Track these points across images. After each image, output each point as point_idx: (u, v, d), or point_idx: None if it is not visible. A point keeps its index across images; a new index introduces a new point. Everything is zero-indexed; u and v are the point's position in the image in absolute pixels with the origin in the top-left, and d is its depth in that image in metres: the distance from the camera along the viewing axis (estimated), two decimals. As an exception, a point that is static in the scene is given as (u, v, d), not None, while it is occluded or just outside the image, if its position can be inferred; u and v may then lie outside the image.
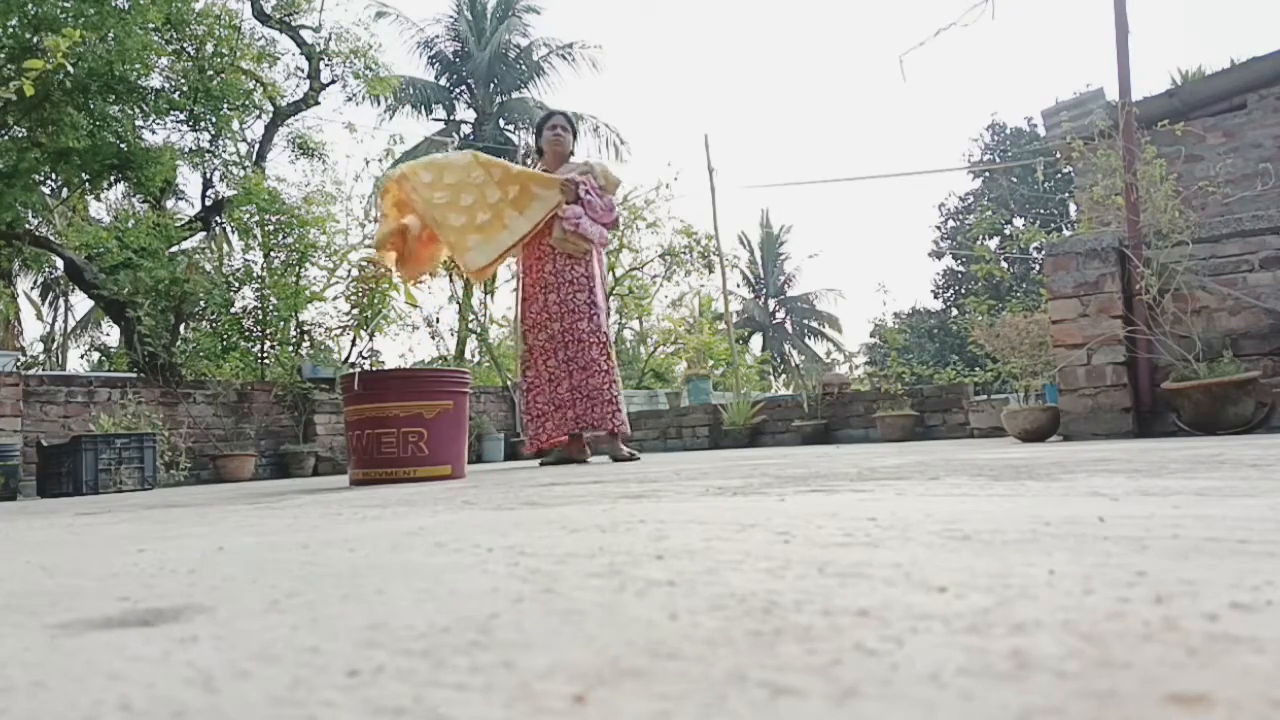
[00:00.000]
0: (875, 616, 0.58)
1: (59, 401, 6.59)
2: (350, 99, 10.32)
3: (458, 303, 11.28)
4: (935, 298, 26.88)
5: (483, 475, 4.20)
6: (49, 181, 9.05)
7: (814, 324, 34.36)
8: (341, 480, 4.75)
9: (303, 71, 10.05)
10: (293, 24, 9.84)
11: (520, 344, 5.08)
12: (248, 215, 8.65)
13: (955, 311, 22.96)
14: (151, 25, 7.90)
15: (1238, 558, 0.73)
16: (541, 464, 5.05)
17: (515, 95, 22.74)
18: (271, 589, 0.87)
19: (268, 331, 8.58)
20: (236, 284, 8.75)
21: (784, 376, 24.24)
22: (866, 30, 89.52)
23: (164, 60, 8.67)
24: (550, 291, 4.95)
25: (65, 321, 23.28)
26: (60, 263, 9.04)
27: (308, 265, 8.67)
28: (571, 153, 5.24)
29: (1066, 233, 6.14)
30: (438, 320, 10.36)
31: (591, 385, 4.85)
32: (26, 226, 8.45)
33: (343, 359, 8.36)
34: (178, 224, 9.39)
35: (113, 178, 8.92)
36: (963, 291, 24.56)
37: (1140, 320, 4.29)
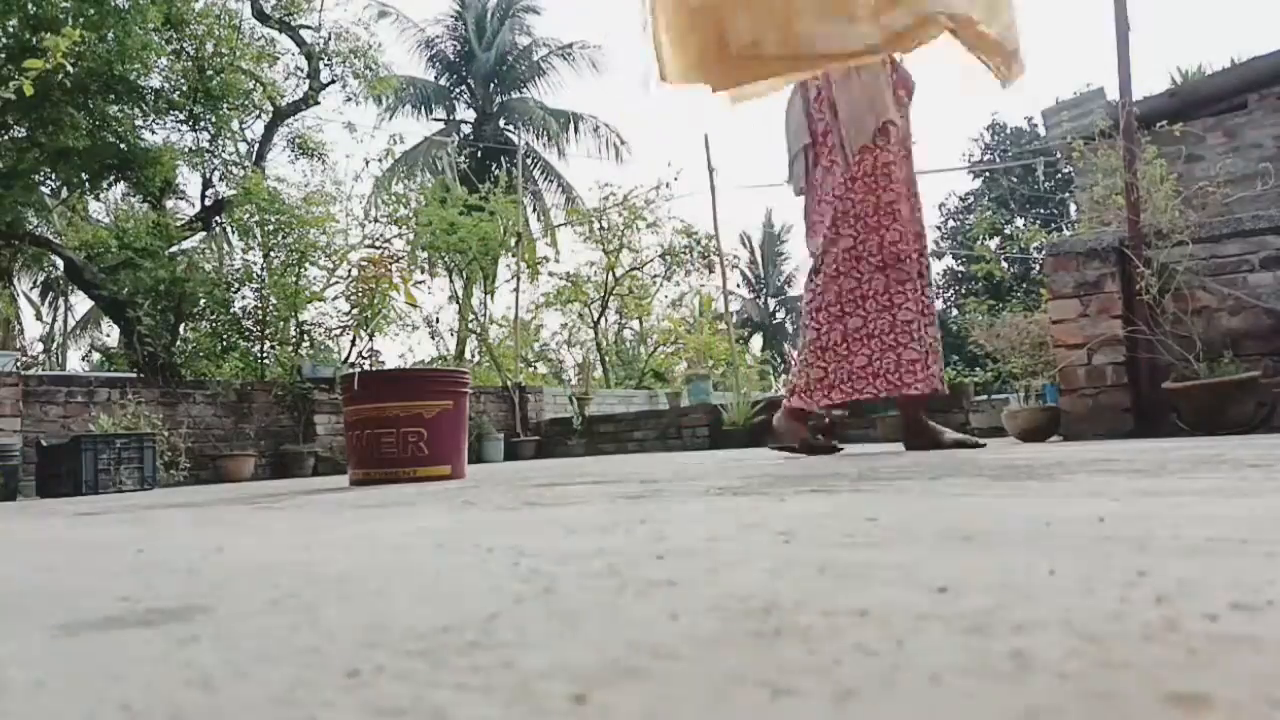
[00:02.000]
0: (875, 617, 0.57)
1: (59, 402, 6.58)
2: (350, 99, 10.31)
3: (458, 303, 11.28)
4: (935, 297, 26.85)
5: (483, 475, 4.20)
6: (49, 181, 9.04)
7: (814, 324, 34.31)
8: (341, 480, 4.75)
9: (302, 71, 10.05)
10: (292, 24, 9.83)
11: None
12: (248, 215, 8.65)
13: (955, 311, 22.94)
14: (151, 25, 7.89)
15: (1238, 558, 0.73)
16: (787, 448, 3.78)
17: (515, 95, 22.74)
18: (271, 589, 0.87)
19: (267, 331, 8.58)
20: (236, 284, 8.75)
21: (784, 376, 24.22)
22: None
23: (163, 60, 8.65)
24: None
25: (65, 321, 23.27)
26: (60, 263, 9.04)
27: (307, 265, 8.67)
28: None
29: (1067, 233, 6.14)
30: (437, 320, 10.36)
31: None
32: (26, 227, 8.45)
33: (343, 359, 8.36)
34: (178, 224, 9.38)
35: (112, 178, 8.91)
36: (963, 291, 24.54)
37: (1141, 320, 4.29)
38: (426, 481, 3.70)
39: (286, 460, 7.68)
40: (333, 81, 10.10)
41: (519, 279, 10.82)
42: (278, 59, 9.82)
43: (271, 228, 8.60)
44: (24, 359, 11.69)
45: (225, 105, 9.07)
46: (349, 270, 8.61)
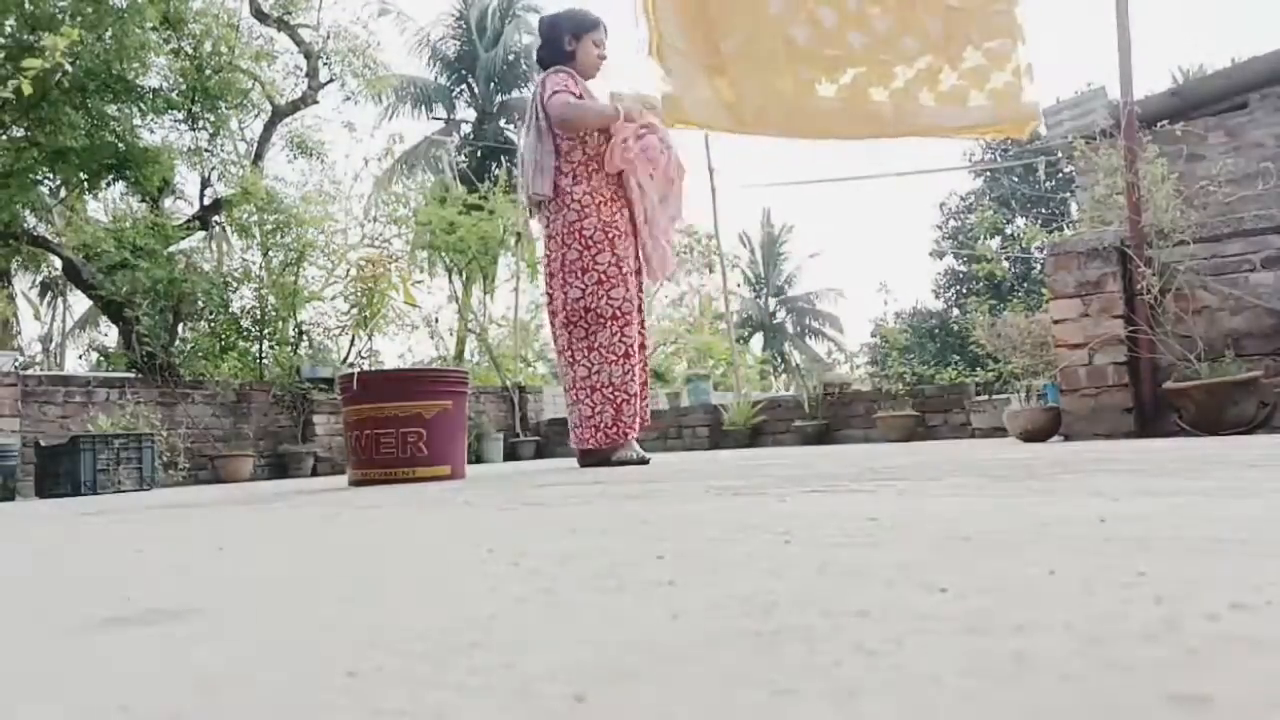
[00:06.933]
0: (876, 617, 0.57)
1: (57, 402, 6.58)
2: (349, 98, 10.30)
3: (457, 302, 11.28)
4: (936, 297, 26.83)
5: (483, 475, 4.20)
6: (47, 181, 9.04)
7: (814, 324, 34.35)
8: (340, 481, 4.75)
9: (301, 70, 10.04)
10: (291, 23, 9.83)
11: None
12: (246, 215, 8.65)
13: (956, 311, 22.93)
14: (149, 24, 7.88)
15: (1238, 558, 0.73)
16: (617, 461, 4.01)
17: (516, 94, 22.73)
18: (271, 589, 0.87)
19: (266, 331, 8.58)
20: (235, 284, 8.75)
21: (784, 376, 24.20)
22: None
23: (162, 59, 8.65)
24: (626, 239, 4.16)
25: (63, 321, 23.27)
26: (58, 262, 9.04)
27: (306, 265, 8.66)
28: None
29: (1068, 232, 6.14)
30: (437, 320, 10.34)
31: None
32: (24, 226, 8.45)
33: (341, 359, 8.36)
34: (176, 224, 9.38)
35: (111, 177, 8.90)
36: (964, 291, 24.52)
37: (1142, 320, 4.29)
38: (426, 482, 3.69)
39: (285, 460, 7.68)
40: (331, 81, 10.09)
41: (519, 279, 10.81)
42: (276, 58, 9.82)
43: (270, 227, 8.60)
44: (22, 359, 11.69)
45: (224, 104, 9.07)
46: (348, 270, 8.61)
